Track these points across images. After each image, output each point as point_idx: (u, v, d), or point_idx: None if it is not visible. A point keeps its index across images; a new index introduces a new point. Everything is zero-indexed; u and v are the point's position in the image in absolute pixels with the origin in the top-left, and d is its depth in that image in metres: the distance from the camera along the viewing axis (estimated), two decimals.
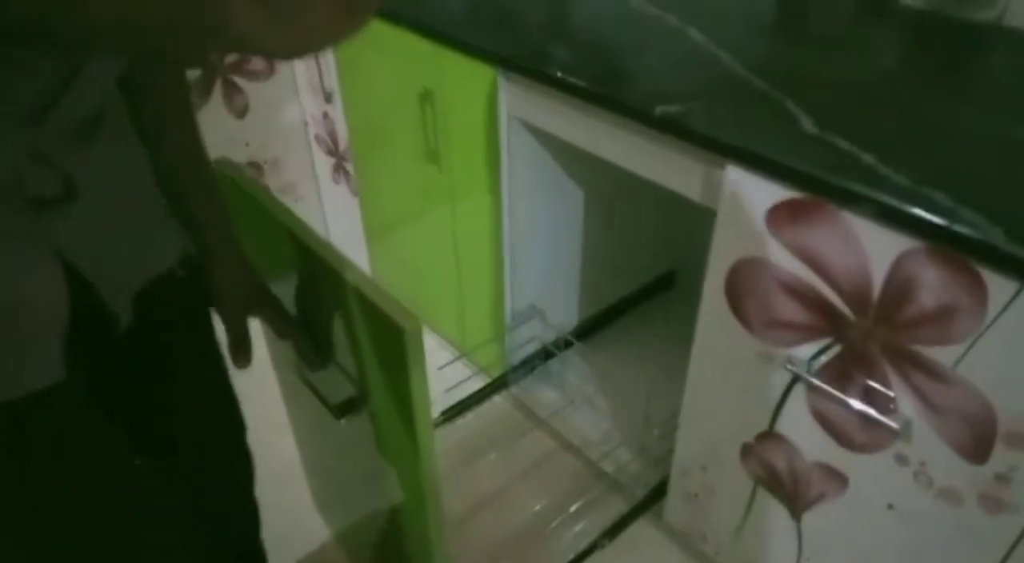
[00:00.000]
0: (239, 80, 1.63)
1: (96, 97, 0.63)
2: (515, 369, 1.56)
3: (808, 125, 0.88)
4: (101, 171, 0.64)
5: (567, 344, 1.53)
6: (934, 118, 0.90)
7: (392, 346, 0.73)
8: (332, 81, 1.59)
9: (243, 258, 0.82)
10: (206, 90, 1.59)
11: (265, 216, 0.87)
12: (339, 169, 1.74)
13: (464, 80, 1.22)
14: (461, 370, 1.66)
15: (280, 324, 0.87)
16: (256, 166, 1.74)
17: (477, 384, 1.61)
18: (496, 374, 1.58)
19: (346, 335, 0.85)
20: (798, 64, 1.06)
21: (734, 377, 1.01)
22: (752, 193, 0.87)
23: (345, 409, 0.92)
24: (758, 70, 1.01)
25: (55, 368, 0.62)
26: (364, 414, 0.92)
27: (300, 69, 1.68)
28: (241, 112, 1.66)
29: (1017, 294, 0.69)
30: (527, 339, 1.54)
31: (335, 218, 1.90)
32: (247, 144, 1.70)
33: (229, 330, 0.82)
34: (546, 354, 1.57)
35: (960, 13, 1.16)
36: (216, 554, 1.05)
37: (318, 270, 0.82)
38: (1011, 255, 0.67)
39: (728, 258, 0.94)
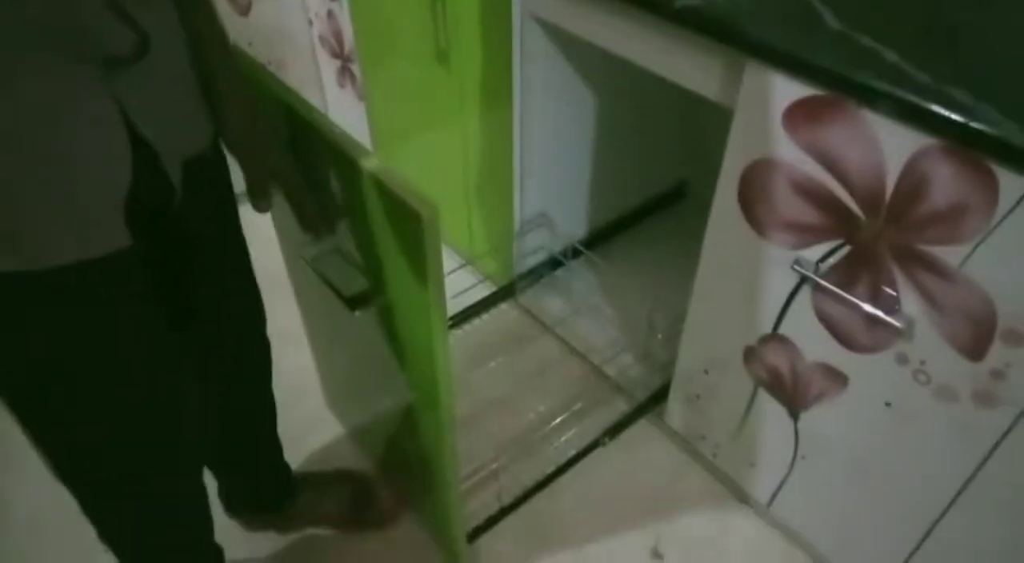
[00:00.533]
0: None
1: None
2: (522, 277, 1.58)
3: (831, 21, 0.86)
4: (162, 33, 0.64)
5: (575, 253, 1.55)
6: (961, 16, 0.87)
7: (409, 234, 0.74)
8: None
9: (254, 103, 0.78)
10: None
11: (270, 99, 0.86)
12: (344, 72, 1.71)
13: None
14: (467, 278, 1.68)
15: (288, 177, 0.82)
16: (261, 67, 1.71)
17: (483, 292, 1.63)
18: (503, 282, 1.60)
19: (358, 224, 0.85)
20: None
21: (742, 280, 1.03)
22: (770, 91, 0.86)
23: (358, 302, 0.93)
24: None
25: (119, 235, 0.64)
26: (378, 307, 0.93)
27: None
28: (244, 9, 1.62)
29: None
30: (535, 247, 1.55)
31: (340, 123, 1.88)
32: (250, 43, 1.67)
33: (246, 172, 0.79)
34: (554, 263, 1.58)
35: None
36: (235, 439, 1.10)
37: (329, 156, 0.82)
38: None
39: (743, 159, 0.94)
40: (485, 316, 1.62)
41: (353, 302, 0.93)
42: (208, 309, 0.89)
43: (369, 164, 0.76)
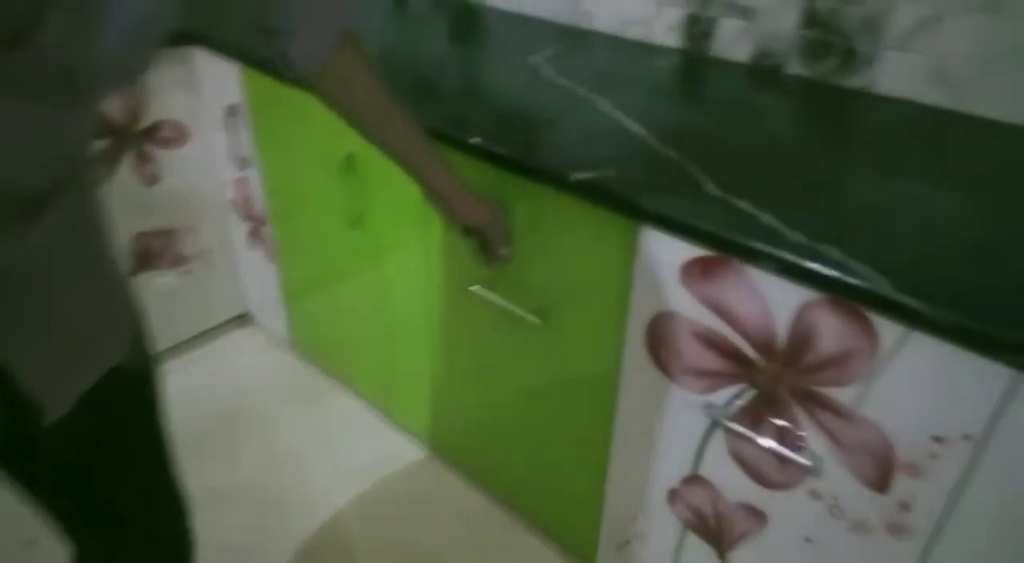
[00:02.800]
0: (150, 148, 1.61)
1: (43, 175, 0.59)
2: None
3: (712, 188, 0.95)
4: (44, 262, 0.61)
5: None
6: (821, 178, 0.99)
7: (618, 242, 0.98)
8: (249, 148, 1.59)
9: (461, 187, 1.00)
10: (116, 160, 1.56)
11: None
12: (255, 234, 1.73)
13: None
14: (384, 429, 1.66)
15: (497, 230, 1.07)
16: (169, 233, 1.71)
17: (398, 442, 1.61)
18: (422, 434, 1.59)
19: (549, 245, 1.09)
20: (699, 130, 1.14)
21: (658, 425, 1.06)
22: (666, 252, 0.94)
23: (544, 315, 1.13)
24: (664, 137, 1.09)
25: None
26: (559, 321, 1.12)
27: (215, 136, 1.67)
28: (152, 180, 1.63)
29: (904, 337, 0.77)
30: None
31: (251, 283, 1.87)
32: (159, 212, 1.67)
33: (485, 236, 1.06)
34: None
35: (837, 81, 1.29)
36: None
37: (516, 190, 1.07)
38: (897, 303, 0.75)
39: (647, 313, 1.00)
40: (403, 469, 1.59)
41: (540, 315, 1.13)
42: (116, 505, 0.84)
43: (576, 177, 0.97)
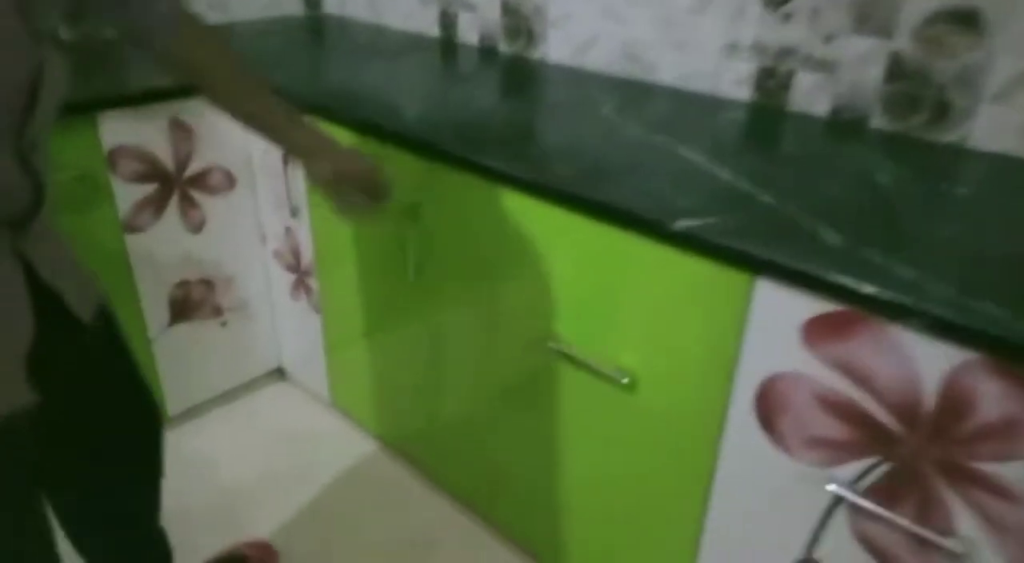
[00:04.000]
0: (196, 194, 1.55)
1: (48, 113, 0.66)
2: None
3: (830, 237, 0.87)
4: (48, 185, 0.70)
5: None
6: (944, 231, 0.91)
7: (722, 296, 0.90)
8: (300, 196, 1.53)
9: (328, 141, 1.01)
10: (161, 205, 1.50)
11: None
12: (300, 285, 1.65)
13: (461, 197, 1.19)
14: (432, 496, 1.54)
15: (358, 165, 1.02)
16: (208, 283, 1.63)
17: (446, 511, 1.49)
18: (477, 505, 1.47)
19: (633, 299, 1.01)
20: (792, 179, 1.07)
21: (765, 501, 0.96)
22: (785, 307, 0.85)
23: (629, 374, 1.05)
24: (757, 184, 1.02)
25: (24, 393, 0.66)
26: (648, 382, 1.04)
27: (263, 184, 1.62)
28: (197, 227, 1.57)
29: None
30: None
31: (290, 337, 1.79)
32: (201, 261, 1.60)
33: (318, 170, 1.00)
34: None
35: (927, 136, 1.23)
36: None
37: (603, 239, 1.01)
38: None
39: (759, 374, 0.91)
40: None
41: (629, 376, 1.05)
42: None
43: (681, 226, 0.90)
